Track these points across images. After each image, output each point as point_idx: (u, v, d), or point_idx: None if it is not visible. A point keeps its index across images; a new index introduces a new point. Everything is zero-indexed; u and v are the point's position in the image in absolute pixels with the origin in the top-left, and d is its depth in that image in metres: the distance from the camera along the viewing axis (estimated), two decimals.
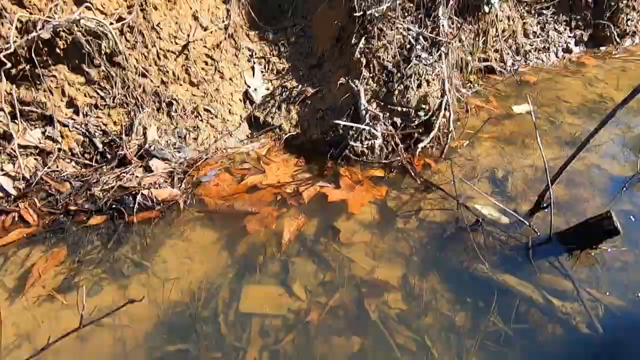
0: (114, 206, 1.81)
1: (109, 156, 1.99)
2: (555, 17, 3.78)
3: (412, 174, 2.21)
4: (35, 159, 1.89)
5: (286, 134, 2.43)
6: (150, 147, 1.96)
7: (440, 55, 2.43)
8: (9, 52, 1.73)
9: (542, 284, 1.71)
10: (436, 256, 1.85)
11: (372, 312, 1.70)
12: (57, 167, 1.90)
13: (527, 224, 1.86)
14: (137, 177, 1.89)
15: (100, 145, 1.98)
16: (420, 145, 2.26)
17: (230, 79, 2.53)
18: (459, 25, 2.95)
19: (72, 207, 1.79)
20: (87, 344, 1.43)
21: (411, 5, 2.56)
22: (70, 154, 1.97)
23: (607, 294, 1.67)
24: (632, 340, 1.55)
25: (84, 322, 1.36)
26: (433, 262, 1.84)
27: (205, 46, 2.43)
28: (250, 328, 1.59)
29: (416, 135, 2.39)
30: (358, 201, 2.00)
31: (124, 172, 1.88)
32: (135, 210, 1.81)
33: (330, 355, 1.58)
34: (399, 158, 2.25)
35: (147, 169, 1.95)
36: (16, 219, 1.74)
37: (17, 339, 1.40)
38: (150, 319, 1.53)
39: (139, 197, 1.83)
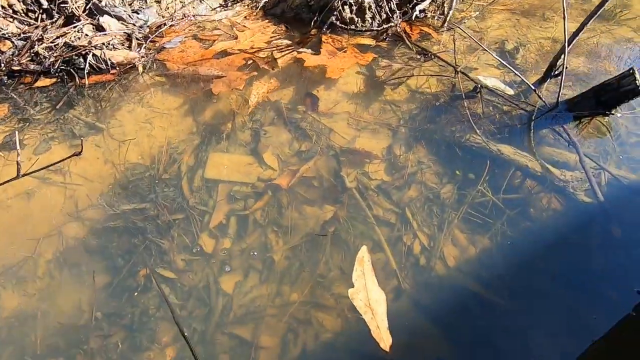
0: (63, 67, 1.61)
1: (55, 15, 1.73)
2: None
3: (407, 42, 1.91)
4: None
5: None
6: (100, 1, 1.68)
7: None
8: None
9: (542, 153, 1.53)
10: (426, 127, 1.65)
11: (350, 182, 1.56)
12: None
13: (534, 89, 1.61)
14: (86, 35, 1.65)
15: (44, 2, 1.71)
16: (419, 7, 1.92)
17: None
18: None
19: (16, 67, 1.59)
20: (35, 200, 1.33)
21: None
22: (11, 11, 1.71)
23: (616, 163, 1.49)
24: (636, 210, 1.40)
25: (24, 172, 1.24)
26: (422, 133, 1.65)
27: None
28: (216, 194, 1.47)
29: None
30: (338, 66, 1.75)
31: (71, 29, 1.64)
32: (86, 72, 1.61)
33: (301, 222, 1.48)
34: (392, 24, 1.94)
35: (99, 28, 1.70)
36: None
37: None
38: (105, 179, 1.41)
39: (89, 57, 1.61)
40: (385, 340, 1.15)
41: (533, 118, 1.61)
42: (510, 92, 1.74)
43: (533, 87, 1.62)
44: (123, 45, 1.71)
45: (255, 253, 1.35)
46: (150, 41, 1.80)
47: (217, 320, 1.24)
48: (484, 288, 1.38)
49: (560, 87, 1.55)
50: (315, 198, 1.54)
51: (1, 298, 1.17)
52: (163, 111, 1.61)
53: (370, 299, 1.21)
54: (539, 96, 1.62)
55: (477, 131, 1.57)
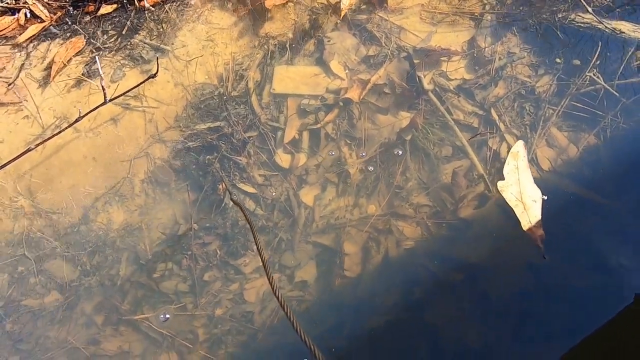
0: None
1: None
2: None
3: None
4: None
5: None
6: None
7: None
8: None
9: None
10: (519, 11, 1.40)
11: (426, 85, 1.42)
12: None
13: None
14: None
15: None
16: None
17: None
18: None
19: None
20: (121, 125, 1.40)
21: None
22: None
23: None
24: None
25: (110, 98, 1.29)
26: (513, 18, 1.40)
27: None
28: (286, 108, 1.43)
29: None
30: None
31: None
32: None
33: (375, 133, 1.41)
34: None
35: None
36: (28, 15, 1.61)
37: (57, 120, 1.41)
38: (178, 101, 1.43)
39: None
40: (535, 234, 1.17)
41: None
42: None
43: None
44: None
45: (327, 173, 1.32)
46: None
47: (301, 229, 1.28)
48: (585, 188, 1.24)
49: None
50: (388, 106, 1.44)
51: (110, 213, 1.30)
52: (223, 27, 1.54)
53: (523, 194, 1.21)
54: None
55: (587, 8, 1.29)
